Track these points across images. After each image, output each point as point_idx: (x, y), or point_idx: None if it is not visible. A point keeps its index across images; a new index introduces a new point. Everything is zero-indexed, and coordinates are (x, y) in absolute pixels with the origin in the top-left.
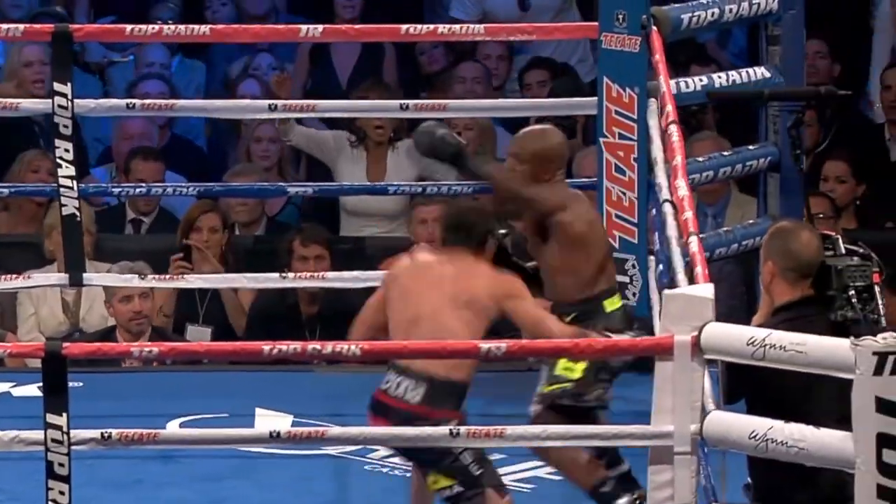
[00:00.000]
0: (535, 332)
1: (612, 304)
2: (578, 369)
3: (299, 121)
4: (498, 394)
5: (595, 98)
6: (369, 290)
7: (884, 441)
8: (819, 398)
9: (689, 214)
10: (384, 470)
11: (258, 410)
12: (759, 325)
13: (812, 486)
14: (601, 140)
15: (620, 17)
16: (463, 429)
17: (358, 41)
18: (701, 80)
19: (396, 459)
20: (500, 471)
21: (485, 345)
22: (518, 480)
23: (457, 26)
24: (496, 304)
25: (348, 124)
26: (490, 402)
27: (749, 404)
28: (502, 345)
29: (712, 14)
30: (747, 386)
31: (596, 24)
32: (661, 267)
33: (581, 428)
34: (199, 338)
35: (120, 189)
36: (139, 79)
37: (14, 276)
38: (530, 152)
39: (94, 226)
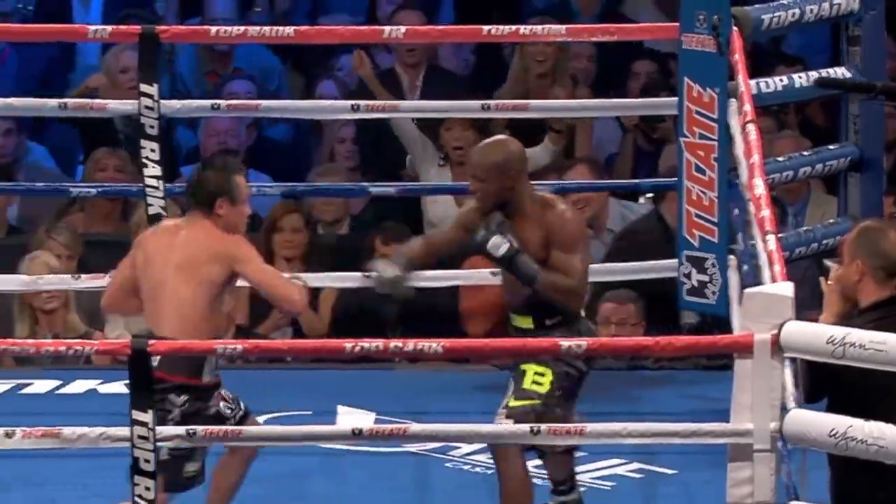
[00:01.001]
0: (268, 293)
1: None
2: (546, 382)
3: None
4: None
5: (676, 98)
6: (451, 289)
7: None
8: None
9: (766, 213)
10: (465, 467)
11: (340, 408)
12: (840, 324)
13: (892, 484)
14: (682, 140)
15: (701, 17)
16: (544, 427)
17: (442, 42)
18: (781, 81)
19: (477, 457)
20: (581, 468)
21: (565, 343)
22: (598, 478)
23: (539, 27)
24: (223, 268)
25: (434, 140)
26: None
27: (830, 403)
28: (582, 343)
29: (793, 14)
30: (829, 385)
31: (677, 24)
32: (745, 266)
33: (662, 426)
34: (280, 338)
35: None
36: (228, 78)
37: (100, 275)
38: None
39: None
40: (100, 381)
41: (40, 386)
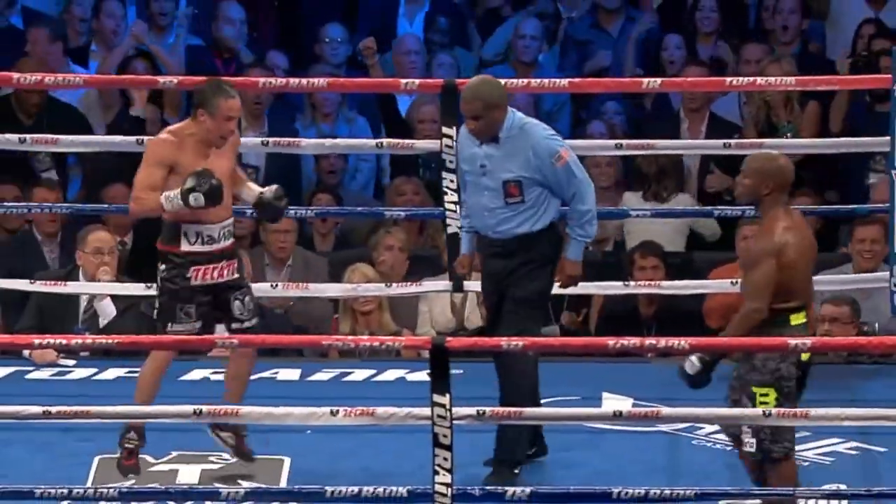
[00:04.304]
0: None
1: (798, 318)
2: (771, 400)
3: None
4: None
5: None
6: (697, 296)
7: None
8: None
9: None
10: (708, 444)
11: (604, 394)
12: None
13: None
14: (892, 172)
15: None
16: (774, 411)
17: (689, 91)
18: None
19: (719, 436)
20: (805, 445)
21: (793, 341)
22: (820, 454)
23: (772, 78)
24: None
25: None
26: None
27: None
28: (807, 341)
29: None
30: None
31: (889, 76)
32: None
33: (875, 411)
34: (550, 335)
35: None
36: None
37: (406, 283)
38: (752, 169)
39: None
40: (407, 370)
41: (359, 374)
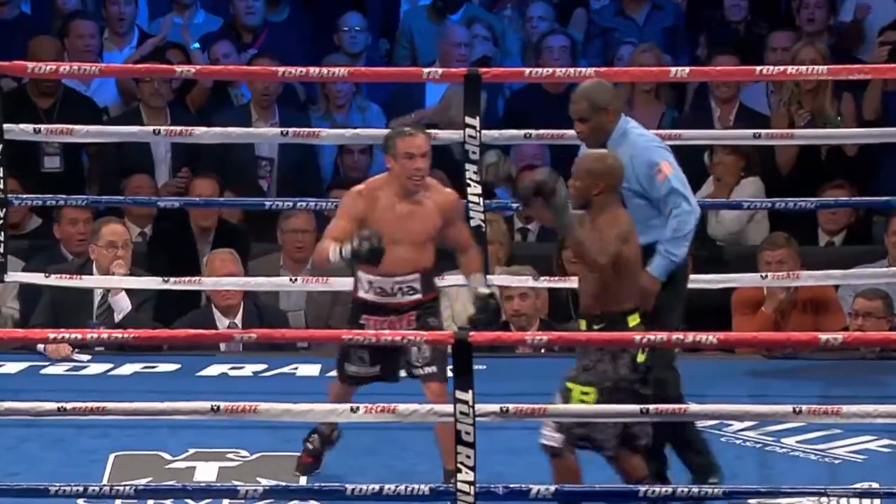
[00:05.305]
0: None
1: (634, 319)
2: (591, 400)
3: None
4: (834, 378)
5: None
6: (725, 291)
7: None
8: None
9: None
10: (737, 442)
11: None
12: None
13: None
14: None
15: None
16: (805, 408)
17: (715, 80)
18: None
19: (748, 433)
20: (837, 443)
21: (824, 336)
22: (852, 452)
23: (803, 67)
24: None
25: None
26: (828, 386)
27: None
28: (839, 336)
29: None
30: None
31: None
32: None
33: None
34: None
35: (518, 204)
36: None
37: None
38: (583, 170)
39: (506, 237)
40: None
41: None
